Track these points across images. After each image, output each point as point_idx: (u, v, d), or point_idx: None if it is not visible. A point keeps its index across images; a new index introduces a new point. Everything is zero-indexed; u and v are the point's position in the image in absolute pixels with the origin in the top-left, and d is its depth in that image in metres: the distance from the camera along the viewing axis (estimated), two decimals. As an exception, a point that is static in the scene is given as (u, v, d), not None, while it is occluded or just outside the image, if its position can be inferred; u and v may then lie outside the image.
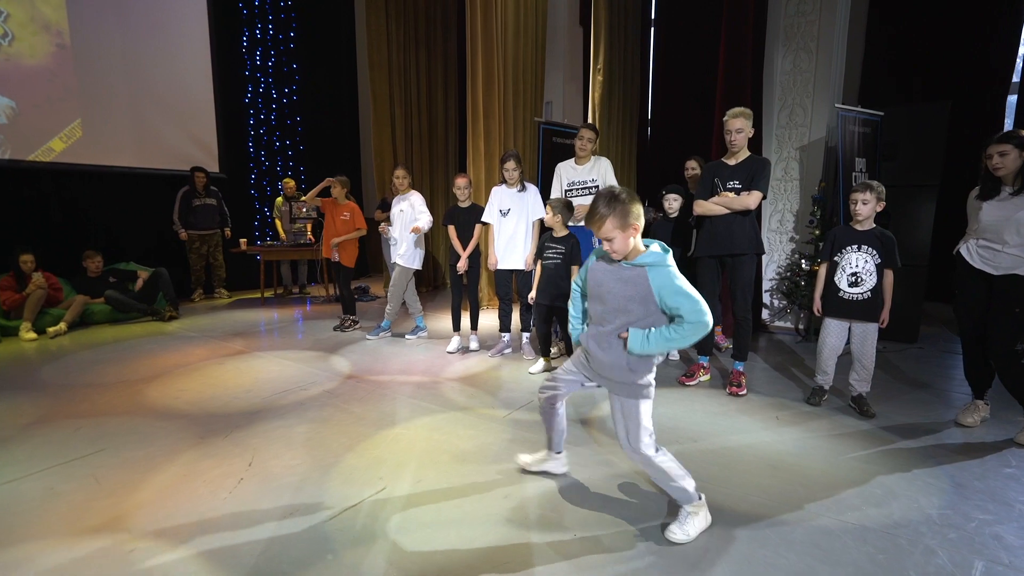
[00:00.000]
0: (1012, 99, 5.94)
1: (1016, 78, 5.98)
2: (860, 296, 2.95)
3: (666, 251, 1.77)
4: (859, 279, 2.95)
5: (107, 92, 6.10)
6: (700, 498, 1.90)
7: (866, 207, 2.89)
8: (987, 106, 5.95)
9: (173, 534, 1.86)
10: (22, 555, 1.74)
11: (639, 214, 1.75)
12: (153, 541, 1.82)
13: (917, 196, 4.60)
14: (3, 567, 1.68)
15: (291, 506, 2.04)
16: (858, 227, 2.98)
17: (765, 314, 5.20)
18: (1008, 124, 5.96)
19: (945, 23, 6.10)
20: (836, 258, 3.03)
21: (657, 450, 1.87)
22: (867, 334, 2.97)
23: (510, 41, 5.87)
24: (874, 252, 2.92)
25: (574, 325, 2.06)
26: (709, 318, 1.67)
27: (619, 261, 1.79)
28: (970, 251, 2.80)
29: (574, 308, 2.07)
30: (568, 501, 2.09)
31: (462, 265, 4.17)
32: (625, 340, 1.76)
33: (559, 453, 2.27)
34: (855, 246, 2.96)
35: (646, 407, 1.85)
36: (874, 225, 2.97)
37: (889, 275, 2.92)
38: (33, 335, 4.76)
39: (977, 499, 2.12)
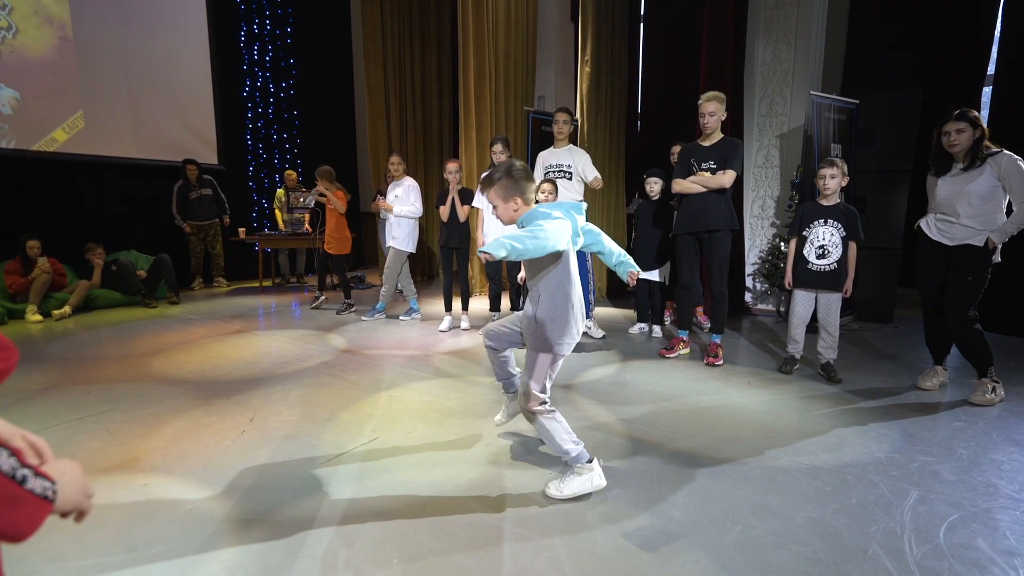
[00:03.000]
0: (988, 90, 6.13)
1: (991, 70, 6.16)
2: (827, 267, 3.13)
3: (545, 216, 1.80)
4: (826, 251, 3.13)
5: (108, 85, 6.24)
6: (591, 461, 1.88)
7: (833, 181, 3.08)
8: (963, 97, 6.13)
9: (183, 472, 2.02)
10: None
11: (525, 190, 1.84)
12: (165, 477, 1.99)
13: (891, 182, 4.78)
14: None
15: (289, 451, 2.21)
16: (825, 202, 3.16)
17: (748, 297, 5.38)
18: (984, 115, 6.15)
19: (925, 15, 6.29)
20: (805, 232, 3.21)
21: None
22: (832, 303, 3.15)
23: (501, 36, 6.05)
24: (839, 225, 3.09)
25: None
26: (544, 236, 1.65)
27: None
28: (929, 225, 2.98)
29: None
30: (545, 448, 2.26)
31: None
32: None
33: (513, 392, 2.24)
34: (822, 220, 3.14)
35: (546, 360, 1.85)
36: (839, 200, 3.15)
37: (853, 247, 3.10)
38: (39, 317, 4.92)
39: (923, 446, 2.30)
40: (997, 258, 2.78)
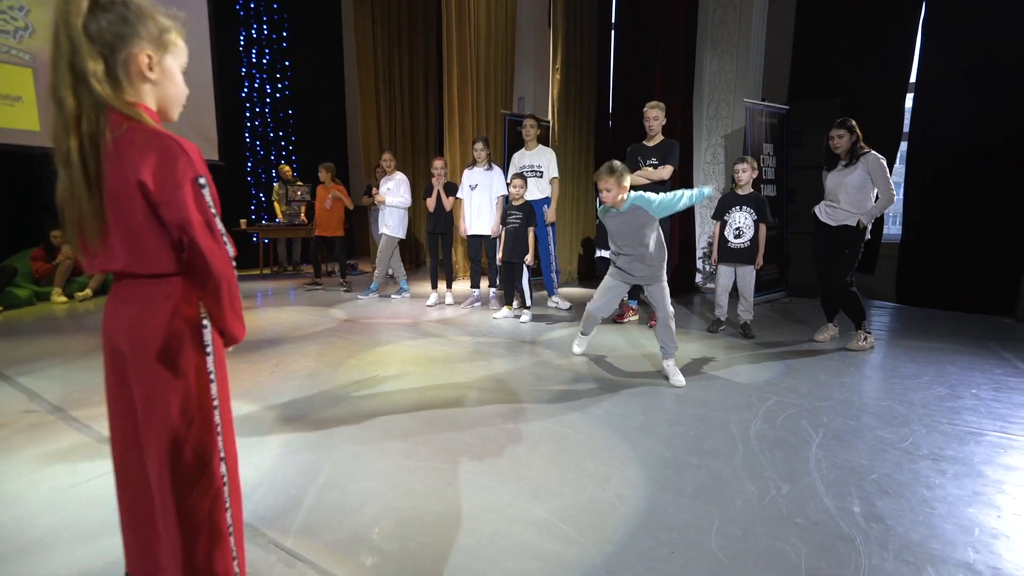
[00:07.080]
0: (910, 96, 6.92)
1: (913, 79, 6.96)
2: (741, 245, 3.85)
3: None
4: (740, 232, 3.85)
5: (119, 86, 6.78)
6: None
7: (745, 174, 3.80)
8: (890, 103, 6.92)
9: (232, 394, 2.66)
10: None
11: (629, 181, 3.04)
12: (220, 396, 2.63)
13: (818, 177, 5.52)
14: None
15: (312, 383, 2.86)
16: (740, 191, 3.88)
17: (698, 278, 6.12)
18: (907, 117, 6.95)
19: (862, 30, 7.06)
20: (725, 217, 3.93)
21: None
22: (747, 274, 3.88)
23: (482, 44, 6.69)
24: (751, 211, 3.82)
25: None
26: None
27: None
28: (820, 210, 3.72)
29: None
30: (508, 378, 2.95)
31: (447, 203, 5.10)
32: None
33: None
34: (738, 207, 3.86)
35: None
36: (752, 190, 3.87)
37: (763, 228, 3.83)
38: (64, 299, 5.48)
39: (796, 374, 3.03)
40: (867, 235, 3.53)
